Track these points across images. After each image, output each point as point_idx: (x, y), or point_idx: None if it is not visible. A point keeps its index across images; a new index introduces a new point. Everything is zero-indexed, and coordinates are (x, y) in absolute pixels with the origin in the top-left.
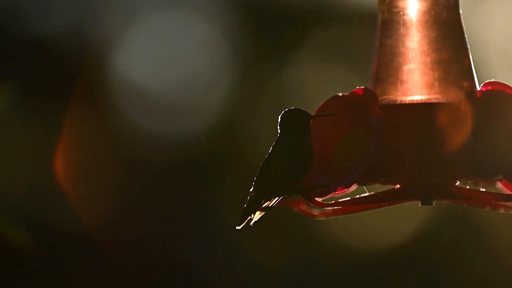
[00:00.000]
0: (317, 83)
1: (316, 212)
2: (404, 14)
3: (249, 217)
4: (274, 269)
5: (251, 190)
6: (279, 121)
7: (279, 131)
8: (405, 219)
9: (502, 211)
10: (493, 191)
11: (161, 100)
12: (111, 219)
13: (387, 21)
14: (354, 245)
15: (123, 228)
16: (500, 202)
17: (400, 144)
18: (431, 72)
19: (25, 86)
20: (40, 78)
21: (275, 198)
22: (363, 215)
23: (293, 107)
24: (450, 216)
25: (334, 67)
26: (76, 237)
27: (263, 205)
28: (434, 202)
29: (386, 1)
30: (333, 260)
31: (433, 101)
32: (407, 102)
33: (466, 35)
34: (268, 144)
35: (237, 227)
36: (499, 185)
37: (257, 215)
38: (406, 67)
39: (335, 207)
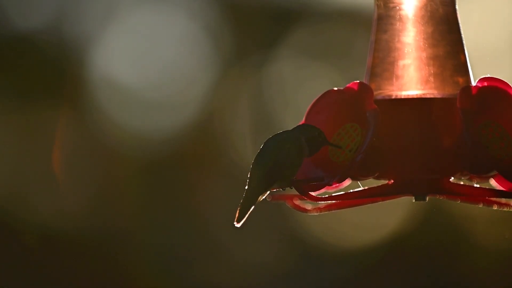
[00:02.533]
0: (298, 79)
1: (309, 206)
2: (400, 9)
3: (247, 213)
4: (258, 266)
5: (246, 186)
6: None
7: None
8: (390, 216)
9: (495, 208)
10: (487, 187)
11: (141, 97)
12: (92, 216)
13: (383, 16)
14: (339, 242)
15: (104, 226)
16: (494, 199)
17: (395, 139)
18: (427, 67)
19: (3, 83)
20: (19, 74)
21: (269, 191)
22: (348, 213)
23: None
24: (436, 212)
25: (314, 63)
26: (58, 234)
27: (257, 199)
28: (427, 198)
29: None
30: (318, 257)
31: (428, 96)
32: (402, 97)
33: (462, 31)
34: (249, 140)
35: (236, 224)
36: (493, 181)
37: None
38: (401, 62)
39: (329, 202)
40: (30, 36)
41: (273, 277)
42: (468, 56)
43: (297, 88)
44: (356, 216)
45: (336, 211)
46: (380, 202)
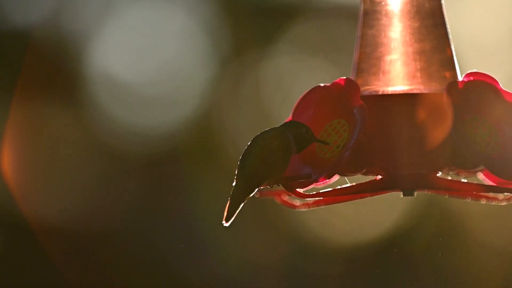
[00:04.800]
0: (296, 75)
1: (297, 203)
2: (386, 4)
3: (236, 211)
4: (254, 264)
5: (233, 184)
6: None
7: None
8: (386, 211)
9: (483, 202)
10: (475, 182)
11: (139, 93)
12: (89, 212)
13: (369, 11)
14: (335, 238)
15: (100, 222)
16: (482, 193)
17: (382, 134)
18: (413, 62)
19: (1, 78)
20: (16, 70)
21: (256, 189)
22: (344, 208)
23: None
24: (431, 208)
25: (313, 59)
26: (53, 230)
27: (246, 197)
28: (415, 193)
29: None
30: (314, 254)
31: (415, 91)
32: (389, 92)
33: (448, 26)
34: (247, 137)
35: (224, 223)
36: (480, 176)
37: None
38: (388, 58)
39: (317, 198)
40: (27, 32)
41: (272, 275)
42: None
43: (295, 84)
44: (354, 212)
45: (330, 206)
46: (378, 198)
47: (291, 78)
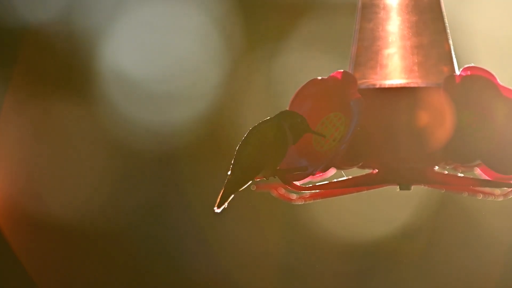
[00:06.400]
0: (308, 72)
1: (294, 196)
2: None
3: (228, 200)
4: (266, 258)
5: (228, 173)
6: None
7: None
8: (400, 208)
9: (480, 197)
10: (472, 177)
11: (150, 90)
12: (100, 208)
13: (367, 5)
14: (348, 234)
15: (111, 218)
16: (478, 188)
17: (379, 128)
18: (411, 56)
19: (13, 74)
20: (28, 67)
21: (252, 180)
22: (357, 204)
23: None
24: (441, 206)
25: (325, 55)
26: (63, 227)
27: (240, 188)
28: (412, 187)
29: None
30: (321, 249)
31: (412, 85)
32: (387, 86)
33: (446, 20)
34: None
35: (216, 210)
36: (477, 170)
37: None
38: (385, 51)
39: (313, 191)
40: (39, 29)
41: (282, 271)
42: (453, 45)
43: (307, 80)
44: (365, 208)
45: (337, 201)
46: (391, 194)
47: (304, 74)
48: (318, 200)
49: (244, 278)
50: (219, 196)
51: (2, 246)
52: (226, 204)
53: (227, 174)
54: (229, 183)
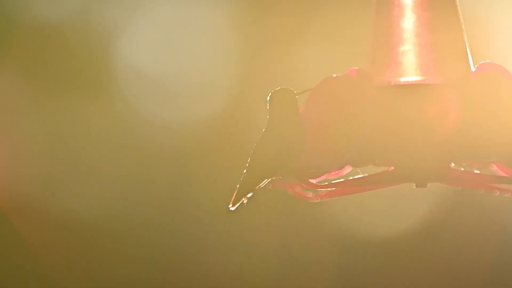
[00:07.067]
0: (323, 69)
1: (310, 194)
2: None
3: (243, 198)
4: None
5: (245, 171)
6: (268, 103)
7: (268, 113)
8: (419, 204)
9: (497, 194)
10: (488, 173)
11: (166, 86)
12: (117, 206)
13: (382, 1)
14: (366, 231)
15: (127, 215)
16: (495, 185)
17: (394, 125)
18: (426, 53)
19: (31, 73)
20: (46, 64)
21: (268, 178)
22: (375, 201)
23: (278, 88)
24: (458, 203)
25: (340, 53)
26: (78, 225)
27: (256, 186)
28: (428, 185)
29: None
30: (344, 246)
31: (427, 82)
32: (402, 83)
33: (461, 16)
34: None
35: (230, 208)
36: (493, 167)
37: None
38: (400, 48)
39: (329, 189)
40: (57, 27)
41: (299, 266)
42: (468, 41)
43: (323, 76)
44: (384, 204)
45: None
46: (411, 191)
47: (317, 72)
48: (334, 198)
49: (259, 275)
50: (234, 194)
51: (18, 244)
52: (243, 201)
53: (243, 172)
54: (245, 181)
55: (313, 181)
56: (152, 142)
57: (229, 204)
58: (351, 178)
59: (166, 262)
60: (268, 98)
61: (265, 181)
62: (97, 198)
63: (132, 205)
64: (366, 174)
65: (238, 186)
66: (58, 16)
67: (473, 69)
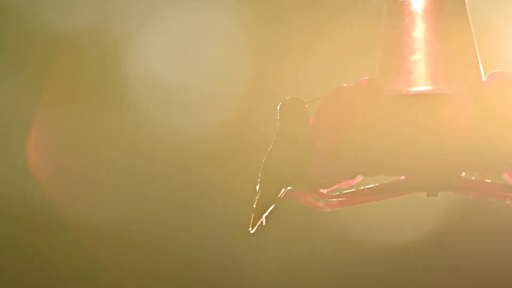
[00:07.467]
0: (334, 78)
1: (321, 203)
2: (409, 4)
3: (262, 218)
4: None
5: (257, 188)
6: (278, 113)
7: (279, 124)
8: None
9: (508, 202)
10: (499, 182)
11: (180, 95)
12: (128, 213)
13: (393, 11)
14: (377, 238)
15: (141, 223)
16: (506, 193)
17: (405, 134)
18: (436, 62)
19: (47, 81)
20: (61, 73)
21: (281, 192)
22: (386, 208)
23: (288, 97)
24: (469, 212)
25: (351, 62)
26: (91, 230)
27: (272, 204)
28: (439, 194)
29: None
30: (356, 253)
31: (438, 91)
32: (412, 92)
33: (471, 25)
34: None
35: (250, 230)
36: (505, 176)
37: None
38: (411, 58)
39: (340, 199)
40: (72, 36)
41: (310, 274)
42: (478, 50)
43: (337, 83)
44: (394, 213)
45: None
46: (424, 199)
47: (328, 81)
48: (345, 208)
49: (268, 282)
50: (252, 217)
51: (33, 249)
52: (261, 221)
53: (256, 190)
54: (260, 201)
55: (324, 191)
56: (165, 149)
57: (249, 227)
58: (362, 188)
59: (175, 269)
60: (278, 108)
61: (281, 194)
62: (110, 206)
63: (145, 213)
64: (377, 184)
65: (254, 206)
66: (72, 26)
67: (484, 78)
